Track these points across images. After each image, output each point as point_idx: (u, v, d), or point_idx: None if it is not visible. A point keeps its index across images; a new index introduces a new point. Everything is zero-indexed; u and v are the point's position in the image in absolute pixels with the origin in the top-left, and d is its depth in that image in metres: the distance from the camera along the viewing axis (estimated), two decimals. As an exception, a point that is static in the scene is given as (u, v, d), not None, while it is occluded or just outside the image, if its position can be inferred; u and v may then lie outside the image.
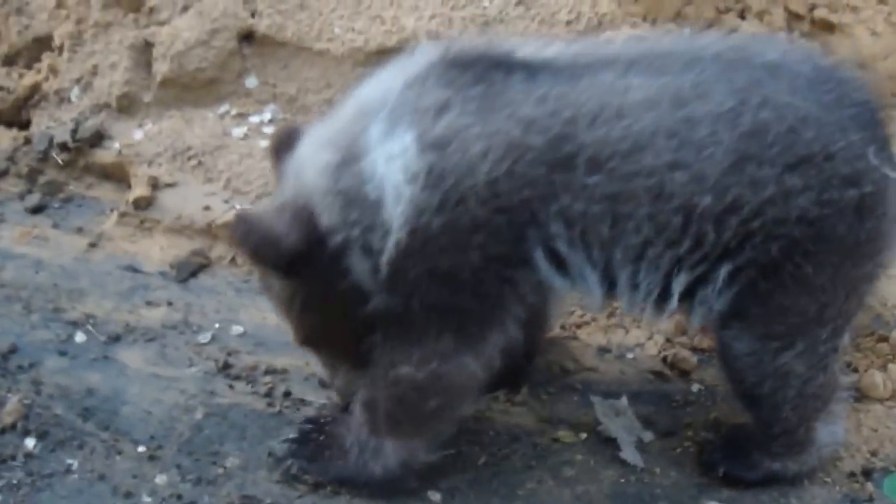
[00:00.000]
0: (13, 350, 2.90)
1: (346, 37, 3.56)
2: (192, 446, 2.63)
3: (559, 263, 2.24)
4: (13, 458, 2.58)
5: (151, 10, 3.84)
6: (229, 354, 2.90)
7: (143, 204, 3.39)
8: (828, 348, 2.36)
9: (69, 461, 2.56)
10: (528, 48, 2.29)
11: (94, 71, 3.81)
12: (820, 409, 2.47)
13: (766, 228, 2.15)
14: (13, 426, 2.65)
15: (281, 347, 2.84)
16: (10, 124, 3.96)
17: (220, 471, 2.55)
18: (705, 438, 2.66)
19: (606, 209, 2.15)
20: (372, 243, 2.24)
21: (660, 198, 2.14)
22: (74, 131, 3.66)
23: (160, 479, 2.53)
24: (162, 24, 3.80)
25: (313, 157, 2.32)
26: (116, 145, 3.57)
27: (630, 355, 2.92)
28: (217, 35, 3.62)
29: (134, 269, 3.23)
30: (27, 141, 3.77)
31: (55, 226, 3.45)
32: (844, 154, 2.15)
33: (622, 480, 2.59)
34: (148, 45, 3.73)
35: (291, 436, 2.59)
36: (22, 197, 3.61)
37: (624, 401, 2.74)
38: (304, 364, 2.80)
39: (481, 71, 2.23)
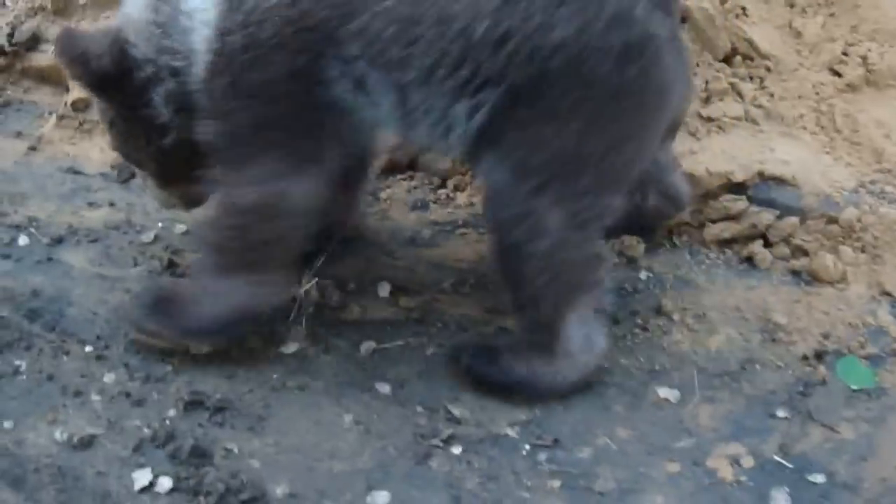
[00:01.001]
0: (-46, 255, 2.84)
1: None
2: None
3: (359, 84, 2.28)
4: (-40, 361, 2.54)
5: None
6: (173, 253, 2.86)
7: (81, 106, 3.31)
8: (587, 206, 2.31)
9: (17, 362, 2.53)
10: None
11: (27, -24, 3.67)
12: (575, 290, 2.40)
13: (530, 56, 2.18)
14: (-42, 331, 2.61)
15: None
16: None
17: (168, 368, 2.53)
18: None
19: (399, 30, 2.20)
20: (181, 69, 2.36)
21: (443, 22, 2.18)
22: (10, 35, 3.54)
23: (108, 378, 2.51)
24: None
25: None
26: (52, 47, 3.43)
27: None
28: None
29: (75, 171, 3.17)
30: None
31: (16, 134, 3.36)
32: None
33: (570, 368, 2.57)
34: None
35: (139, 291, 2.62)
36: (-43, 102, 3.51)
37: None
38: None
39: None
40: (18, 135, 3.34)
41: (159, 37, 2.38)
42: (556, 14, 2.18)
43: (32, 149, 3.26)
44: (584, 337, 2.43)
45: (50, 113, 3.39)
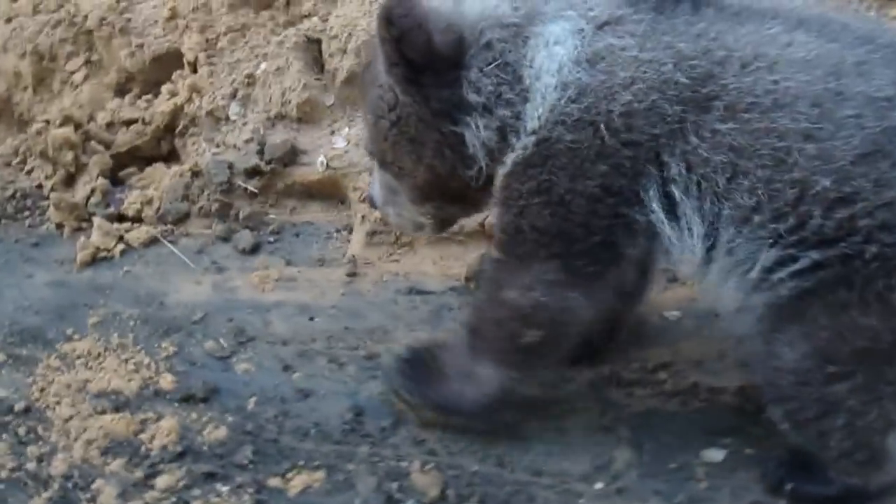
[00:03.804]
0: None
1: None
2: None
3: (671, 208, 2.14)
4: None
5: (288, 4, 3.42)
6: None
7: (388, 218, 3.07)
8: (889, 388, 2.09)
9: None
10: None
11: (250, 81, 3.39)
12: (879, 432, 2.16)
13: (872, 232, 1.96)
14: None
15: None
16: (149, 160, 3.51)
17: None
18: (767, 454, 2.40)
19: (729, 161, 2.04)
20: (505, 129, 2.19)
21: (782, 164, 2.00)
22: (261, 152, 3.26)
23: None
24: (306, 16, 3.41)
25: None
26: (321, 158, 3.19)
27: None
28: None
29: (419, 291, 2.95)
30: (195, 174, 3.34)
31: (289, 262, 3.09)
32: None
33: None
34: (312, 42, 3.32)
35: (403, 354, 2.54)
36: (226, 238, 3.23)
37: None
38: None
39: None
40: (321, 262, 3.08)
41: (503, 70, 2.18)
42: None
43: (352, 274, 3.00)
44: None
45: (337, 231, 3.14)
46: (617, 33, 2.13)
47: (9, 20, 3.71)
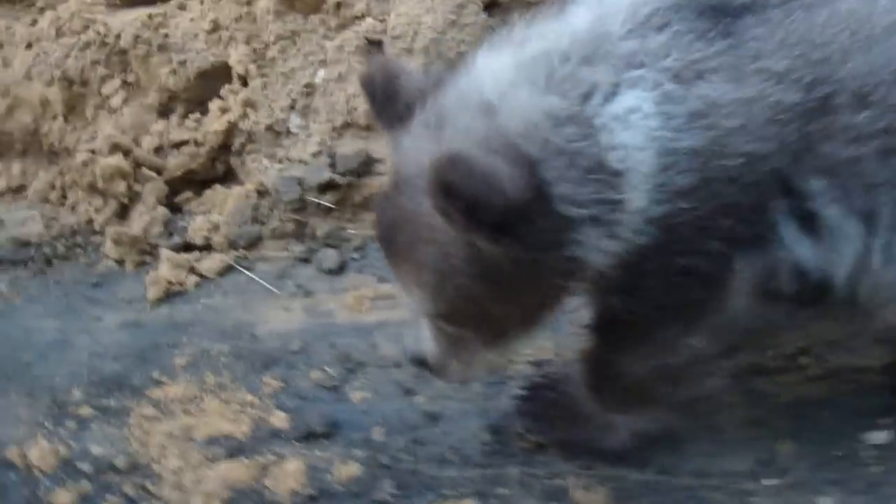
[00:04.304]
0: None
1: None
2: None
3: (810, 227, 1.97)
4: None
5: (339, 6, 3.23)
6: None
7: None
8: None
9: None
10: None
11: (309, 91, 3.20)
12: None
13: None
14: None
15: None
16: (205, 183, 3.31)
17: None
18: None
19: (877, 146, 1.90)
20: (613, 223, 1.90)
21: None
22: (332, 164, 3.08)
23: None
24: (359, 17, 3.22)
25: (516, 92, 1.88)
26: (397, 167, 3.01)
27: None
28: (464, 11, 3.08)
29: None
30: (261, 194, 3.15)
31: (381, 279, 2.92)
32: None
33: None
34: (372, 44, 3.14)
35: (521, 391, 2.43)
36: (306, 259, 3.04)
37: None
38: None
39: (712, 15, 1.91)
40: (415, 276, 2.89)
41: (586, 169, 1.85)
42: None
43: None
44: None
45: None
46: (704, 79, 1.86)
47: (29, 46, 3.45)
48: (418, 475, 2.40)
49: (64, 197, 3.41)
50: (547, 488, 2.32)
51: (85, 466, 2.56)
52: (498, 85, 1.88)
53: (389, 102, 1.99)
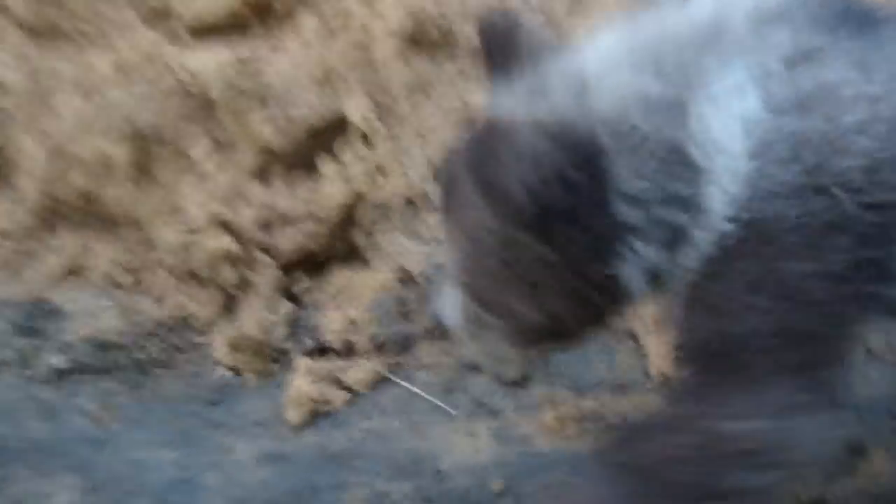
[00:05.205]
0: None
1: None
2: None
3: None
4: None
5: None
6: None
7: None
8: None
9: None
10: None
11: (453, 153, 2.67)
12: None
13: None
14: None
15: None
16: (320, 265, 2.78)
17: None
18: None
19: None
20: (681, 229, 1.65)
21: None
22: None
23: None
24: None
25: (617, 74, 1.68)
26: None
27: None
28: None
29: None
30: (403, 282, 2.65)
31: (578, 391, 2.49)
32: None
33: None
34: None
35: None
36: (476, 367, 2.54)
37: None
38: None
39: (857, 22, 1.69)
40: (619, 386, 2.49)
41: (664, 159, 1.62)
42: None
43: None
44: None
45: (631, 339, 2.55)
46: (827, 66, 1.61)
47: (87, 94, 2.77)
48: None
49: (138, 283, 2.78)
50: None
51: None
52: (602, 65, 1.70)
53: (503, 53, 1.79)
